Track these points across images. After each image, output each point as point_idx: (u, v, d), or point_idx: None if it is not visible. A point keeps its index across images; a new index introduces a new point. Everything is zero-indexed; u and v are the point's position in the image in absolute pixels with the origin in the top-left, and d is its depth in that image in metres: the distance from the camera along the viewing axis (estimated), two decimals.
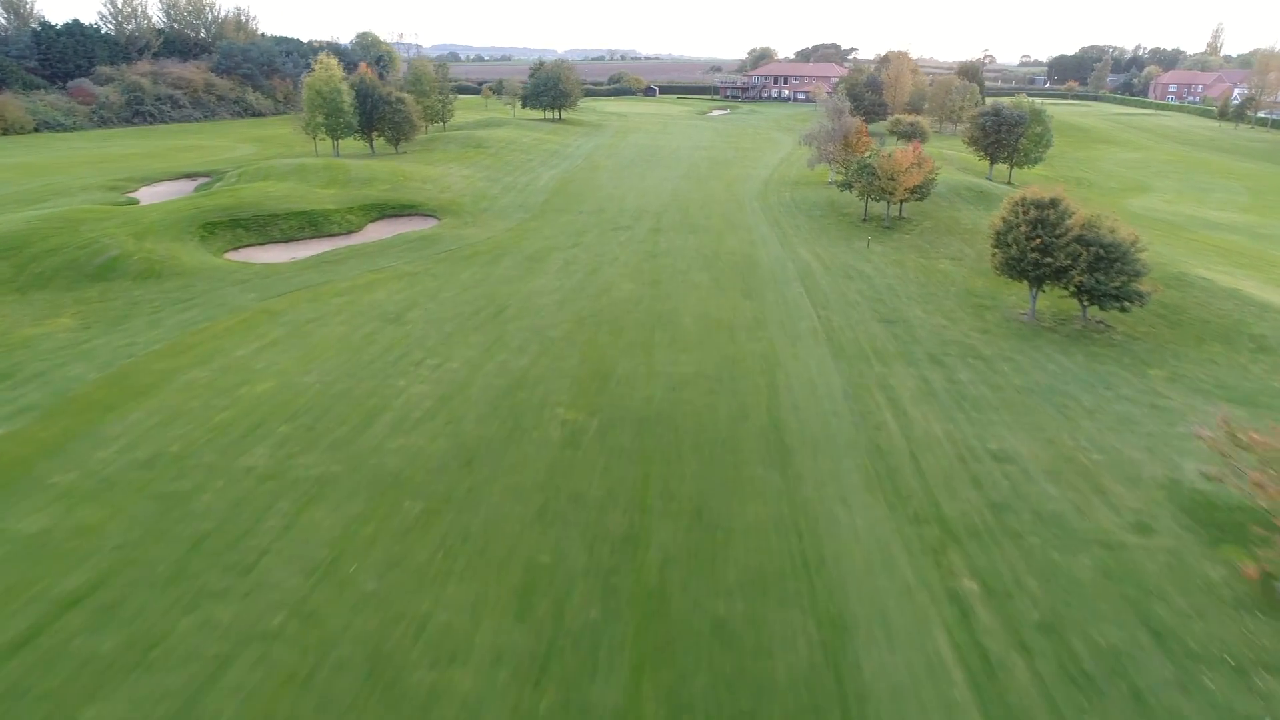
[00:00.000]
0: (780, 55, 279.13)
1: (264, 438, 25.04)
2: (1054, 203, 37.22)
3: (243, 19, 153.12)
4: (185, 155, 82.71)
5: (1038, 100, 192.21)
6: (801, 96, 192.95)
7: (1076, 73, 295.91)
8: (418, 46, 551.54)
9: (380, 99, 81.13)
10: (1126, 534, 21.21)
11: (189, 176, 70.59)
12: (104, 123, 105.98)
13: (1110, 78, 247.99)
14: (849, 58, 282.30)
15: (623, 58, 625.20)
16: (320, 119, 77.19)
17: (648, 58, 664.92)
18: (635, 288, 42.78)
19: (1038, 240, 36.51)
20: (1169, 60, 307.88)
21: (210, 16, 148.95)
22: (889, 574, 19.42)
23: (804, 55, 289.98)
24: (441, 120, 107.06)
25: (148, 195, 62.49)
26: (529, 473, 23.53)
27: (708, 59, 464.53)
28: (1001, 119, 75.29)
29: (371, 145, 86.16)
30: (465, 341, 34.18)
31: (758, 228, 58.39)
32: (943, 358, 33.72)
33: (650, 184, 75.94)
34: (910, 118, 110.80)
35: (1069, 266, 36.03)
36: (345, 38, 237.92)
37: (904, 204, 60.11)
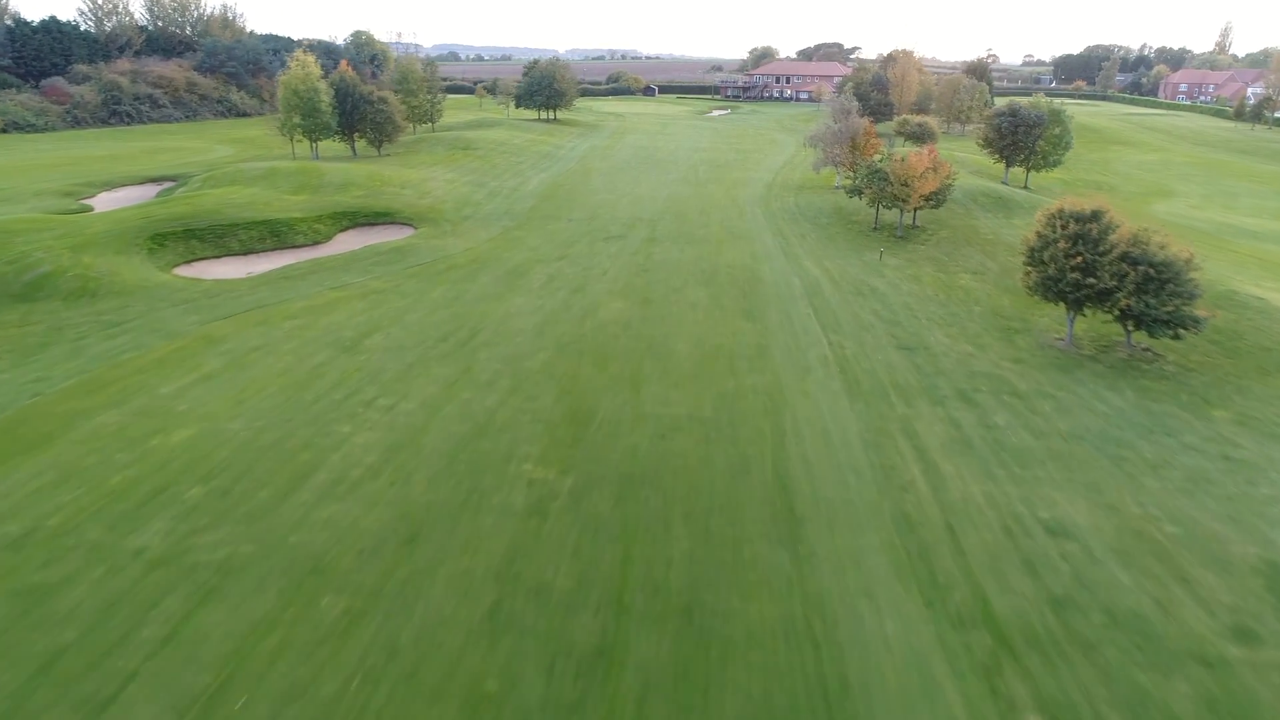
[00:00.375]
0: (782, 54, 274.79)
1: (166, 506, 20.76)
2: (1096, 215, 32.91)
3: (230, 16, 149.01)
4: (156, 158, 78.48)
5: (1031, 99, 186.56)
6: (804, 96, 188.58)
7: (1083, 72, 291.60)
8: (417, 46, 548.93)
9: (361, 98, 76.91)
10: (1226, 643, 16.90)
11: (155, 181, 66.37)
12: (78, 123, 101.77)
13: (1118, 77, 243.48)
14: (852, 57, 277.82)
15: (623, 57, 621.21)
16: (297, 120, 72.96)
17: (648, 57, 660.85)
18: (625, 307, 38.50)
19: (1078, 258, 32.22)
20: (1175, 60, 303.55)
21: (196, 14, 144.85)
22: (931, 705, 15.14)
23: (806, 54, 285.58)
24: (430, 121, 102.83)
25: (105, 202, 58.27)
26: (483, 554, 19.25)
27: (709, 59, 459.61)
28: (1019, 120, 71.00)
29: (353, 147, 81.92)
30: (427, 374, 29.91)
31: (760, 237, 54.10)
32: (973, 394, 29.42)
33: (646, 189, 71.67)
34: (918, 118, 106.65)
35: (1114, 288, 31.73)
36: (343, 37, 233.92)
37: (918, 212, 55.77)
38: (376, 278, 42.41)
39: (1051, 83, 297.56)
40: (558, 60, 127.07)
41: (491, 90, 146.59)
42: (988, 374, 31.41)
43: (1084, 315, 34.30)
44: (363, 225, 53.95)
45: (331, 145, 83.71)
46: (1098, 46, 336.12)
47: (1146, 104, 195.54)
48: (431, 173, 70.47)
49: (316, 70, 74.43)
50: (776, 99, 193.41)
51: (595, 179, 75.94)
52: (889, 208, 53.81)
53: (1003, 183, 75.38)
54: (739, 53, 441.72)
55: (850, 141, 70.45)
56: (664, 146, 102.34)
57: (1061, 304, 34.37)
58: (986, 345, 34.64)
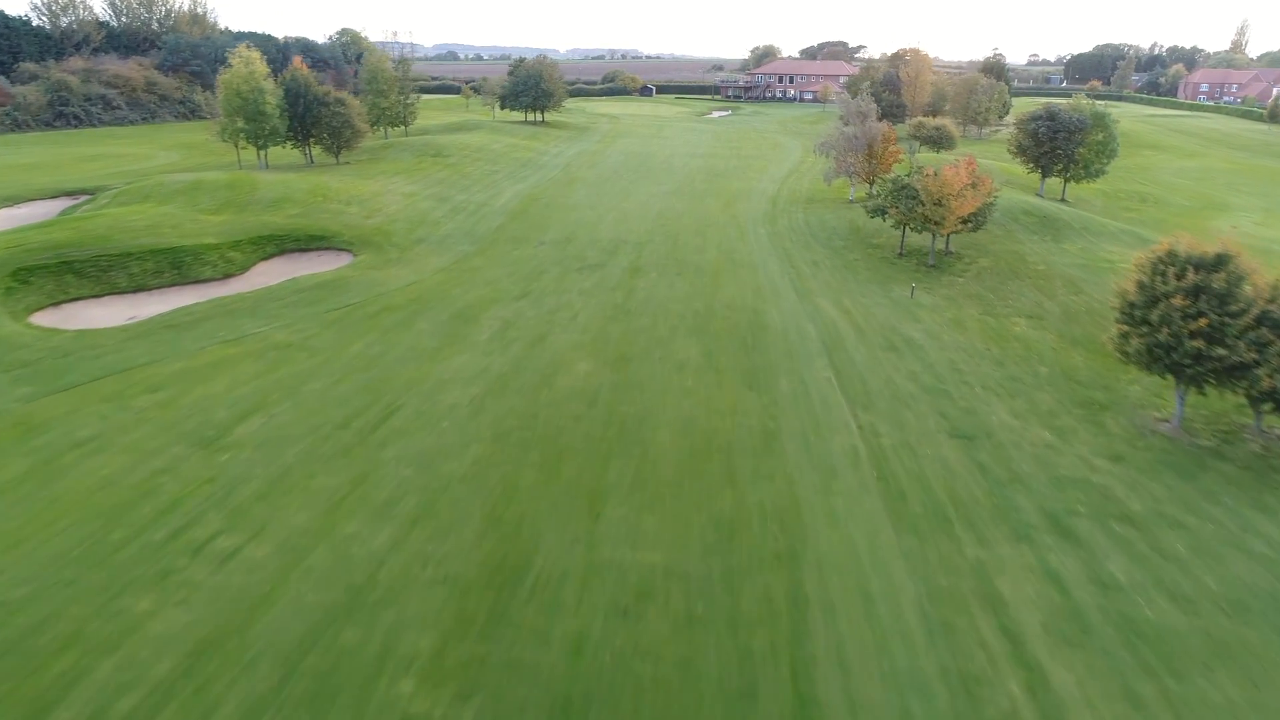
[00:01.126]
0: (785, 53, 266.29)
1: None
2: (1222, 261, 24.35)
3: (200, 11, 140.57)
4: (86, 166, 70.00)
5: (1045, 99, 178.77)
6: (809, 96, 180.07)
7: (1095, 71, 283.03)
8: (413, 45, 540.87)
9: (315, 100, 68.41)
10: None
11: (71, 195, 57.84)
12: (18, 126, 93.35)
13: (1133, 77, 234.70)
14: (857, 56, 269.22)
15: (623, 57, 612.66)
16: (240, 124, 64.47)
17: (649, 57, 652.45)
18: (593, 370, 29.99)
19: (1202, 321, 23.64)
20: (1187, 59, 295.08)
21: (164, 9, 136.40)
22: None
23: (809, 53, 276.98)
24: (403, 124, 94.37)
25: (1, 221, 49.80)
26: None
27: (711, 59, 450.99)
28: (1058, 124, 62.42)
29: (309, 155, 73.38)
30: (304, 489, 21.41)
31: (765, 265, 45.57)
32: (1069, 520, 20.88)
33: (634, 203, 63.13)
34: (934, 121, 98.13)
35: (1253, 363, 23.19)
36: (329, 35, 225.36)
37: (952, 235, 47.22)
38: (286, 325, 33.87)
39: (1062, 82, 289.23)
40: (545, 59, 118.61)
41: (479, 90, 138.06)
42: (1081, 482, 22.85)
43: (1203, 394, 25.73)
44: (290, 252, 45.42)
45: (285, 153, 75.14)
46: (1107, 45, 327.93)
47: (1166, 105, 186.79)
48: (390, 184, 61.91)
49: (262, 68, 65.93)
50: (779, 99, 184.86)
51: (578, 191, 67.36)
52: (918, 231, 45.25)
53: (1038, 195, 66.79)
54: (741, 52, 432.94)
55: (867, 149, 61.94)
56: (658, 152, 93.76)
57: (1169, 375, 25.80)
58: (1069, 431, 26.06)
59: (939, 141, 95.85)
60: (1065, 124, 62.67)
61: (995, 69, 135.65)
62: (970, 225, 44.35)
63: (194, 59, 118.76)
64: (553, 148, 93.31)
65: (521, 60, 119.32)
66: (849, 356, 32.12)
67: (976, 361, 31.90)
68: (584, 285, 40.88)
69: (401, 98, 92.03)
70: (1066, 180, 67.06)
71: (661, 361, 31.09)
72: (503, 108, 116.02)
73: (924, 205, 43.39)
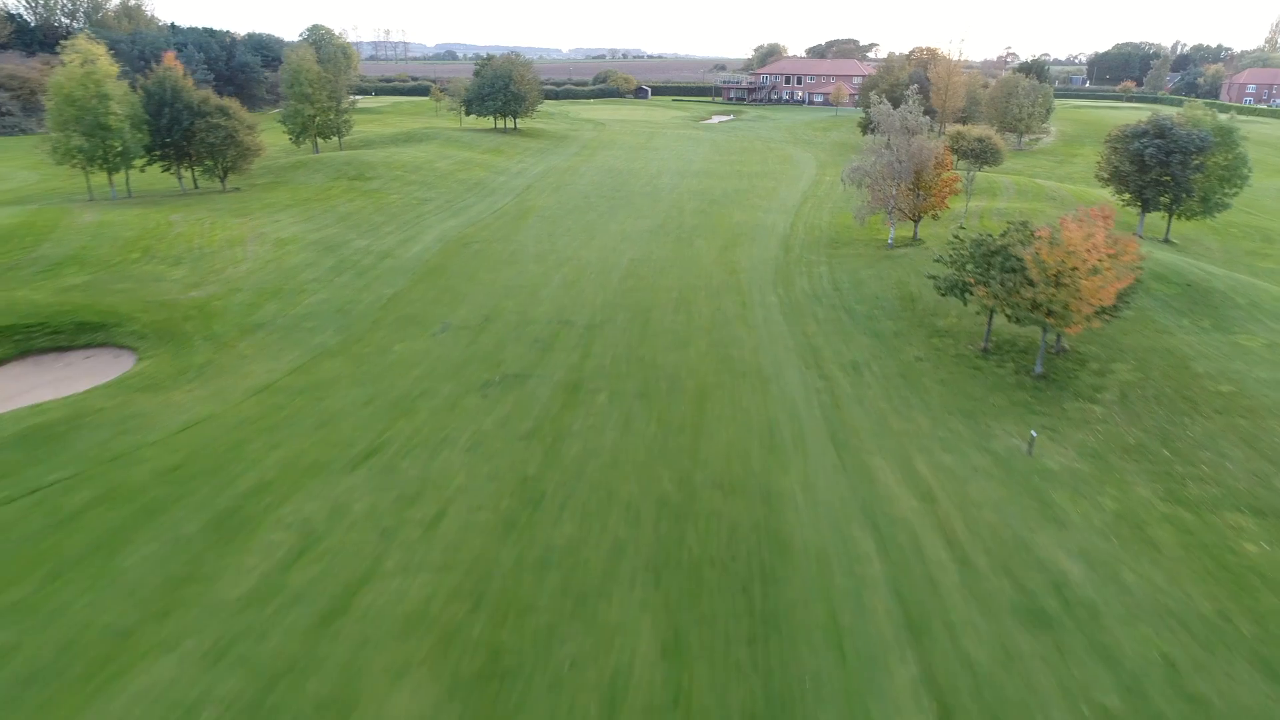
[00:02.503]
0: (790, 52, 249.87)
1: None
2: None
3: (133, 2, 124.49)
4: None
5: (1077, 101, 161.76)
6: (819, 99, 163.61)
7: (1122, 71, 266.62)
8: (405, 44, 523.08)
9: (186, 110, 52.31)
10: None
11: None
12: None
13: (1168, 77, 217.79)
14: (868, 55, 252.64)
15: (624, 56, 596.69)
16: (77, 141, 48.47)
17: (651, 56, 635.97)
18: (427, 710, 13.78)
19: None
20: (1212, 57, 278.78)
21: (90, 2, 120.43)
22: None
23: (816, 52, 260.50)
24: (337, 134, 78.18)
25: None
26: None
27: (713, 58, 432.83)
28: (1172, 144, 46.03)
29: (191, 179, 57.10)
30: None
31: (779, 374, 29.26)
32: None
33: (599, 249, 46.91)
34: (975, 130, 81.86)
35: None
36: (299, 32, 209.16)
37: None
38: None
39: (1084, 82, 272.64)
40: (517, 56, 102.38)
41: (447, 92, 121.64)
42: None
43: None
44: (39, 353, 29.15)
45: (168, 177, 58.67)
46: (1127, 44, 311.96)
47: (1209, 107, 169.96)
48: (266, 224, 45.73)
49: (108, 67, 49.81)
50: (786, 102, 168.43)
51: (528, 231, 51.04)
52: (1019, 321, 28.82)
53: (1136, 234, 50.39)
54: (744, 51, 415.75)
55: (915, 178, 45.64)
56: (643, 169, 77.42)
57: None
58: None
59: (983, 157, 79.61)
60: (1182, 143, 46.21)
61: (1035, 68, 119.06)
62: (1106, 316, 27.96)
63: (115, 57, 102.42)
64: (516, 164, 77.03)
65: (489, 58, 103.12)
66: (955, 648, 15.83)
67: (1216, 655, 15.60)
68: (482, 425, 24.62)
69: (333, 103, 75.84)
70: (1171, 217, 50.64)
71: (575, 671, 14.88)
72: (468, 113, 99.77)
73: (1037, 287, 27.06)
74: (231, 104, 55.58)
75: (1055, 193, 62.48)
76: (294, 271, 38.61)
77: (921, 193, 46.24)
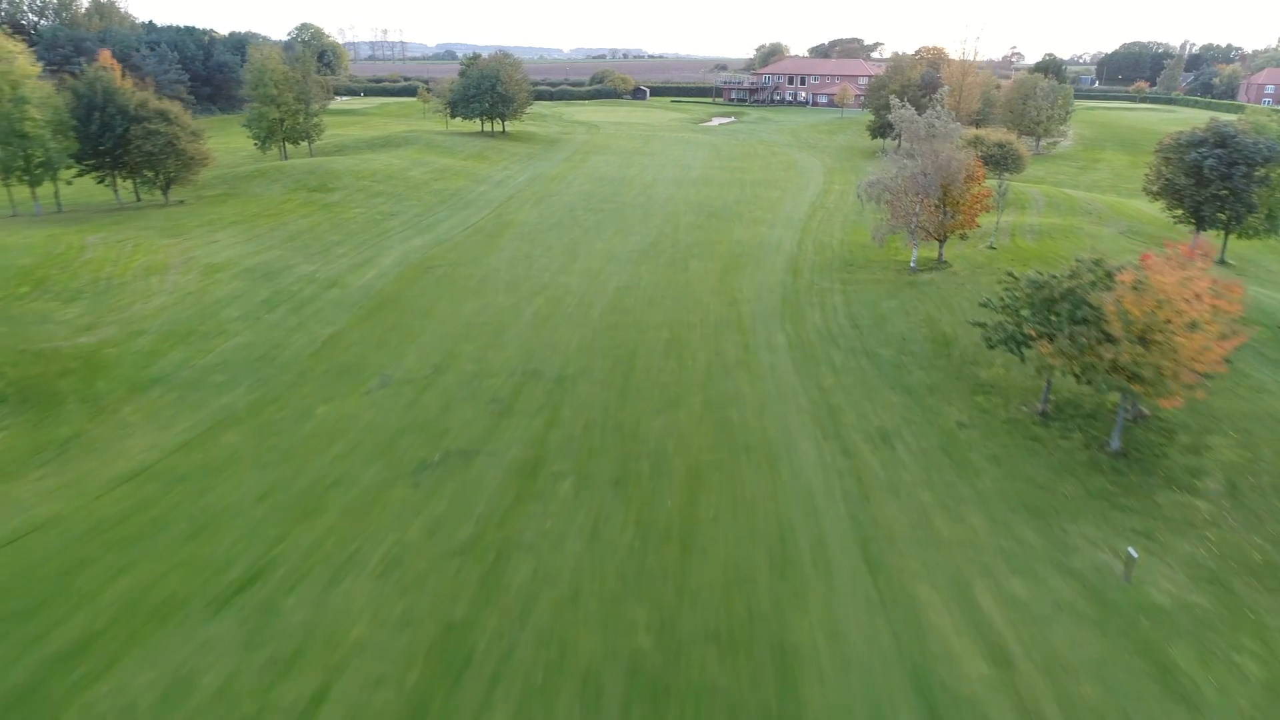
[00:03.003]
0: (792, 52, 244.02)
1: None
2: None
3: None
4: None
5: (1089, 103, 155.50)
6: (823, 100, 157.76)
7: (1132, 71, 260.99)
8: (403, 44, 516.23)
9: (121, 114, 46.61)
10: None
11: None
12: None
13: (1182, 77, 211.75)
14: (872, 54, 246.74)
15: (625, 56, 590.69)
16: None
17: (651, 56, 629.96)
18: None
19: None
20: (1222, 57, 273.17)
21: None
22: None
23: (819, 52, 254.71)
24: (307, 139, 72.43)
25: None
26: None
27: (715, 58, 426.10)
28: (1236, 153, 40.21)
29: (133, 191, 51.34)
30: None
31: (791, 452, 23.42)
32: None
33: (580, 274, 41.10)
34: (995, 135, 76.22)
35: None
36: (289, 31, 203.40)
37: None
38: None
39: (1093, 82, 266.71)
40: (505, 56, 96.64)
41: (434, 93, 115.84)
42: None
43: None
44: None
45: (104, 189, 52.75)
46: (1134, 43, 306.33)
47: (1228, 109, 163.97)
48: (201, 246, 39.99)
49: (27, 67, 44.04)
50: (789, 103, 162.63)
51: (501, 251, 45.20)
52: (1099, 386, 22.93)
53: None
54: (746, 51, 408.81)
55: (942, 193, 39.82)
56: (637, 177, 71.61)
57: None
58: None
59: (1004, 164, 73.86)
60: (1247, 153, 40.33)
61: (1052, 68, 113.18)
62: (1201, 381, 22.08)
63: (77, 55, 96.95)
64: (499, 171, 71.25)
65: (475, 57, 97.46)
66: None
67: None
68: (406, 534, 18.84)
69: (301, 106, 70.09)
70: (1227, 235, 44.79)
71: None
72: (453, 116, 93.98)
73: (1116, 343, 21.24)
74: (173, 108, 49.85)
75: (1089, 205, 56.64)
76: (216, 307, 32.81)
77: (949, 210, 40.44)
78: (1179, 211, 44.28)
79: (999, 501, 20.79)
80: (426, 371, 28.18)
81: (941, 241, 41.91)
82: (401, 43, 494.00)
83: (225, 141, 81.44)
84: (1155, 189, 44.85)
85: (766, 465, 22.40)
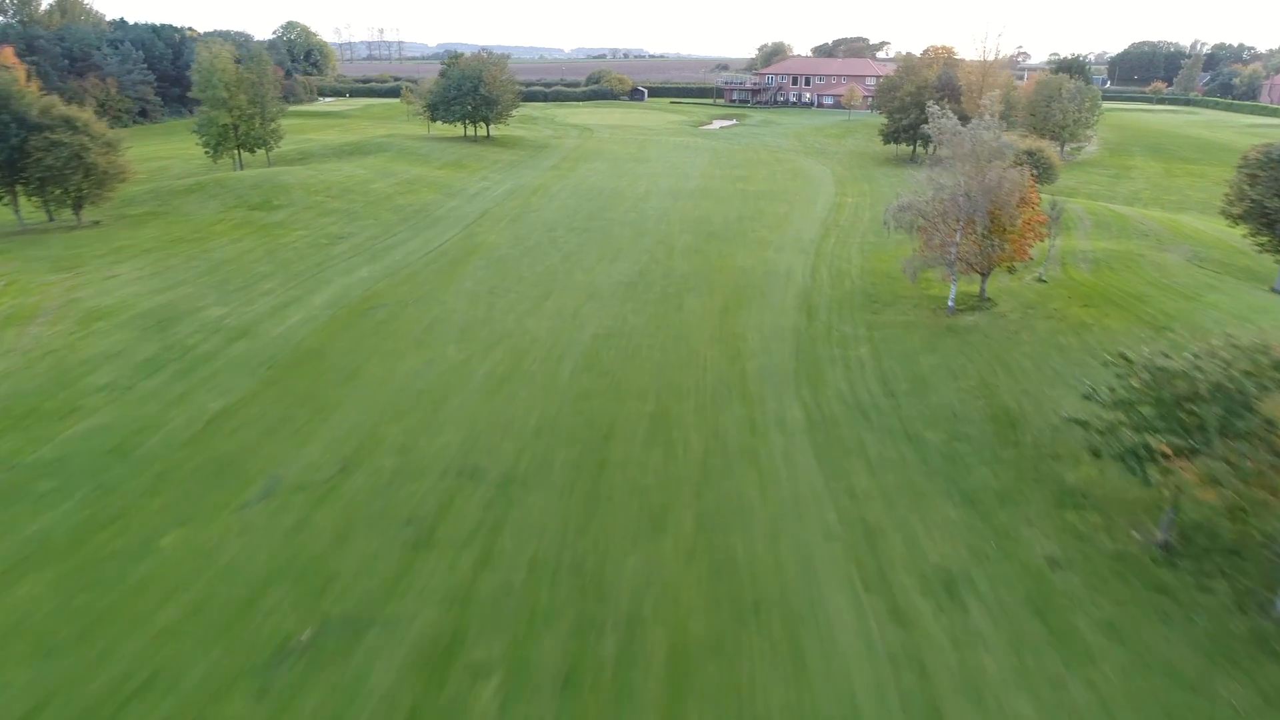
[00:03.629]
0: (795, 51, 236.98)
1: None
2: None
3: None
4: None
5: (1105, 104, 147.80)
6: (829, 101, 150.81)
7: (1145, 71, 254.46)
8: (400, 44, 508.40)
9: (17, 122, 39.76)
10: None
11: None
12: None
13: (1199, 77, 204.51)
14: (878, 54, 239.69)
15: (626, 56, 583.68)
16: None
17: (652, 56, 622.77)
18: None
19: None
20: (1234, 57, 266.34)
21: None
22: None
23: (823, 51, 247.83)
24: (265, 146, 65.56)
25: None
26: None
27: (716, 58, 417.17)
28: None
29: (44, 210, 44.40)
30: None
31: (819, 618, 16.48)
32: None
33: (552, 316, 34.18)
34: (1026, 142, 69.52)
35: None
36: (325, 34, 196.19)
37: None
38: None
39: (1106, 83, 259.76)
40: (490, 54, 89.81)
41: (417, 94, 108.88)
42: None
43: None
44: None
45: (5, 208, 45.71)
46: (1144, 43, 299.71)
47: (1252, 110, 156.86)
48: (92, 284, 33.09)
49: None
50: (793, 104, 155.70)
51: (462, 285, 38.21)
52: (1262, 533, 16.05)
53: (1275, 289, 37.56)
54: (748, 50, 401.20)
55: (989, 219, 32.88)
56: (629, 189, 64.74)
57: None
58: None
59: (1035, 174, 66.98)
60: None
61: (1076, 68, 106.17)
62: None
63: (30, 53, 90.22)
64: (476, 183, 64.36)
65: (457, 56, 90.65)
66: None
67: None
68: None
69: (256, 109, 63.24)
70: None
71: None
72: (433, 119, 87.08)
73: None
74: (83, 115, 42.93)
75: (1142, 225, 49.64)
76: (80, 371, 25.89)
77: (999, 242, 33.49)
78: (1266, 239, 37.26)
79: (1134, 716, 13.86)
80: (330, 471, 21.27)
81: (984, 275, 35.00)
82: (399, 42, 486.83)
83: (184, 148, 74.89)
84: (1237, 212, 37.85)
85: (785, 643, 15.48)
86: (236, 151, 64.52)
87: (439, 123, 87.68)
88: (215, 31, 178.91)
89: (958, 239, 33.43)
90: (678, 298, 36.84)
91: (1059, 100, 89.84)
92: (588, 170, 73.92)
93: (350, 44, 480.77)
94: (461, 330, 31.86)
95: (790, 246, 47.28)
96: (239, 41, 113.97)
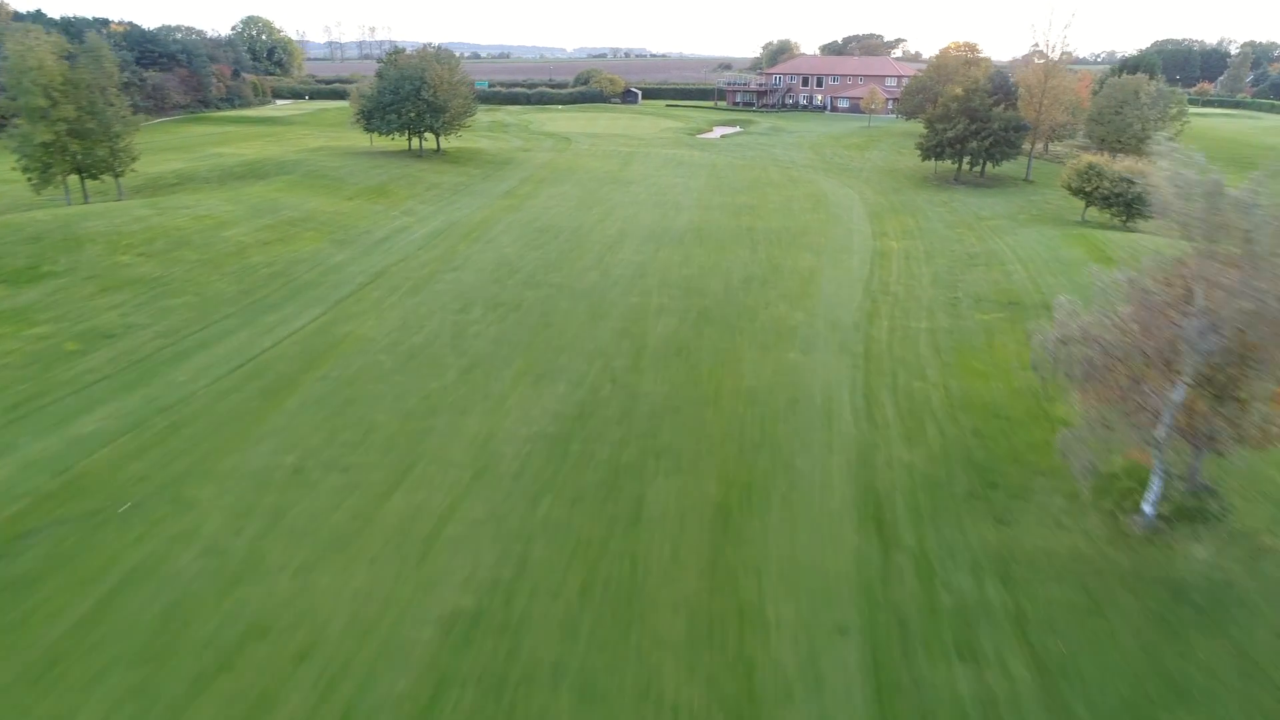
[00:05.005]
0: (802, 50, 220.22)
1: None
2: None
3: None
4: None
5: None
6: (843, 105, 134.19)
7: (1182, 70, 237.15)
8: (393, 43, 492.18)
9: None
10: None
11: None
12: None
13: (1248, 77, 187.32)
14: (893, 52, 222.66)
15: (627, 55, 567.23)
16: None
17: (654, 55, 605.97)
18: None
19: None
20: (1264, 54, 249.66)
21: None
22: None
23: (833, 49, 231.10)
24: (112, 172, 49.11)
25: None
26: None
27: (720, 57, 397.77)
28: None
29: None
30: None
31: None
32: None
33: (385, 541, 17.78)
34: (1119, 164, 53.37)
35: None
36: (315, 33, 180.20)
37: None
38: None
39: None
40: (438, 49, 73.33)
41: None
42: None
43: None
44: None
45: None
46: (1168, 41, 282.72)
47: None
48: None
49: None
50: (804, 108, 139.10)
51: (257, 448, 21.70)
52: None
53: None
54: (752, 49, 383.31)
55: (1238, 358, 16.18)
56: (598, 229, 48.30)
57: None
58: None
59: (1135, 207, 50.88)
60: None
61: (1147, 66, 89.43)
62: None
63: None
64: (392, 220, 47.90)
65: (398, 52, 74.22)
66: None
67: None
68: None
69: (92, 120, 46.78)
70: None
71: None
72: (368, 129, 70.59)
73: None
74: None
75: None
76: None
77: (1249, 397, 16.97)
78: None
79: None
80: None
81: (1205, 449, 18.46)
82: (391, 41, 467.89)
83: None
84: None
85: None
86: (78, 177, 48.18)
87: (370, 134, 71.20)
88: (179, 26, 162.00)
89: (1179, 395, 16.90)
90: (635, 484, 20.32)
91: (1135, 106, 73.08)
92: (550, 198, 57.48)
93: (340, 44, 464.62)
94: (160, 622, 15.30)
95: (824, 339, 30.76)
96: (76, 31, 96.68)
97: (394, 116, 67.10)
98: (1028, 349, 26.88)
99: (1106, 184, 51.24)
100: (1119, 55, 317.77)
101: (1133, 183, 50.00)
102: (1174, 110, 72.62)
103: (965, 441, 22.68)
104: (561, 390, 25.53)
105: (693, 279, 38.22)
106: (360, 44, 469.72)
